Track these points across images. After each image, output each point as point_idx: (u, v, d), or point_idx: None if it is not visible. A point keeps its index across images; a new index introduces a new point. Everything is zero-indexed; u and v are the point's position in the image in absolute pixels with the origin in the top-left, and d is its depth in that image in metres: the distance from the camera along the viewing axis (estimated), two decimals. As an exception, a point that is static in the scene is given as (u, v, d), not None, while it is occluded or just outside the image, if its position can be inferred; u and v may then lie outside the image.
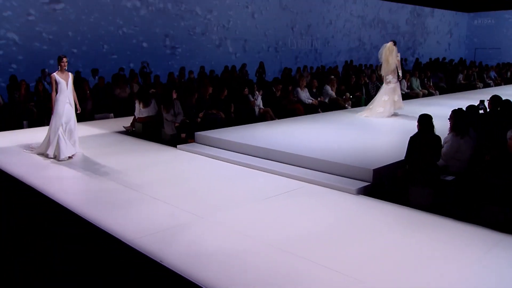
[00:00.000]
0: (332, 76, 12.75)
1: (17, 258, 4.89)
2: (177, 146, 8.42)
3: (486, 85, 19.51)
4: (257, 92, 10.55)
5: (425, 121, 5.57)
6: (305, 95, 11.72)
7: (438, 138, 5.57)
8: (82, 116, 11.45)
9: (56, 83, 7.49)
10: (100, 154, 7.99)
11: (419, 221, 5.08)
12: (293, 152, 7.16)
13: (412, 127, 9.33)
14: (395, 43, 10.66)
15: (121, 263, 4.42)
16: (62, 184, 6.50)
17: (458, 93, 16.66)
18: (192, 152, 8.15)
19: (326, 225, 4.98)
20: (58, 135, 7.46)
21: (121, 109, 12.12)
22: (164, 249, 4.35)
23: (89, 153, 8.06)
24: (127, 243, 4.46)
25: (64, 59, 7.57)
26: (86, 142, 9.01)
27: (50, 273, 4.55)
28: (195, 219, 5.08)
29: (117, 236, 4.62)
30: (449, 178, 5.72)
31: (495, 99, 7.27)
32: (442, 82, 18.29)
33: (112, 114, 11.94)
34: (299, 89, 11.67)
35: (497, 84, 20.19)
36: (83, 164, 7.43)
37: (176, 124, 8.78)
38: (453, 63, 24.29)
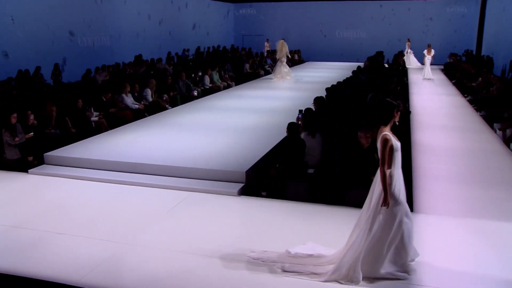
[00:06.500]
0: (152, 79, 13.14)
1: None
2: (29, 170, 7.99)
3: (266, 72, 22.10)
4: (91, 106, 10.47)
5: (293, 128, 6.79)
6: (130, 100, 11.94)
7: (303, 141, 6.83)
8: None
9: (393, 150, 4.35)
10: None
11: (305, 210, 6.29)
12: (163, 163, 7.67)
13: (247, 124, 10.64)
14: (284, 40, 19.99)
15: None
16: None
17: (248, 82, 18.63)
18: (49, 175, 7.86)
19: (242, 229, 5.77)
20: (404, 242, 4.48)
21: None
22: (114, 283, 4.59)
23: None
24: (75, 284, 4.55)
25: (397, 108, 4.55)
26: None
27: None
28: (121, 246, 5.31)
29: (58, 281, 4.63)
30: (310, 171, 7.06)
31: (319, 100, 8.93)
32: (230, 72, 20.15)
33: None
34: (124, 96, 11.81)
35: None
36: None
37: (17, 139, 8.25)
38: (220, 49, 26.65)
